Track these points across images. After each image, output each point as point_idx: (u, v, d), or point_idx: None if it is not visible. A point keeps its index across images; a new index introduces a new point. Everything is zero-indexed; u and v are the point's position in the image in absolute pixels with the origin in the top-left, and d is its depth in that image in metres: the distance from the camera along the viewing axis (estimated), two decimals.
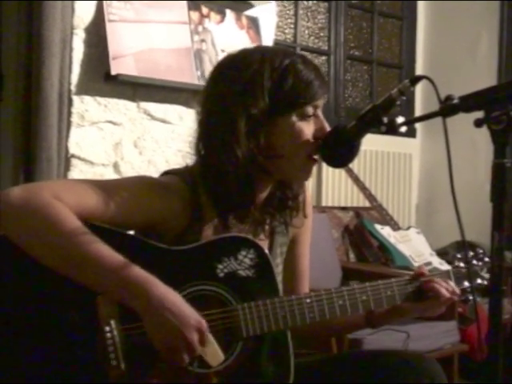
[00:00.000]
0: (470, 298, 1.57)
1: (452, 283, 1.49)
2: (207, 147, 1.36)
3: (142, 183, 1.35)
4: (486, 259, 1.57)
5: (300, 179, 1.44)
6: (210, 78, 1.42)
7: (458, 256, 1.57)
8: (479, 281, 1.55)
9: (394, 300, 1.44)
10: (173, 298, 1.20)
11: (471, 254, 1.58)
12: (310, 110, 1.34)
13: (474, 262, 1.57)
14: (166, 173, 1.42)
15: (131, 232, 1.36)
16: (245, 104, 1.31)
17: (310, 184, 3.66)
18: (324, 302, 1.35)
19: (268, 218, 1.44)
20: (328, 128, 1.37)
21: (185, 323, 1.19)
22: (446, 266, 3.25)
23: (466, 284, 1.54)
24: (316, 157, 1.37)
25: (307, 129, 1.34)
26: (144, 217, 1.30)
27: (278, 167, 1.37)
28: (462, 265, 1.58)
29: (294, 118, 1.33)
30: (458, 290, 1.48)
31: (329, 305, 1.36)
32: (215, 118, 1.34)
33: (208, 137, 1.36)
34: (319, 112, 1.37)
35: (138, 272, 1.19)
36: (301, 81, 1.33)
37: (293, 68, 1.33)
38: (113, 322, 1.21)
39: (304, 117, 1.34)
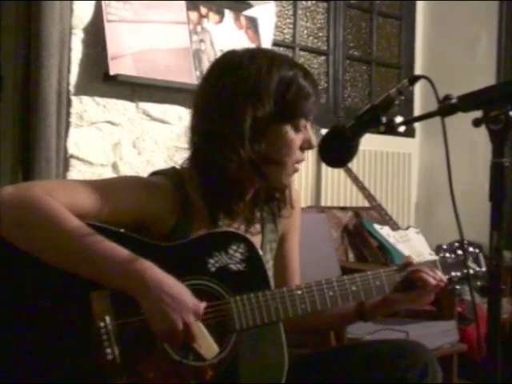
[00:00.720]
0: (457, 287, 1.60)
1: (439, 272, 1.52)
2: (209, 144, 1.37)
3: (131, 182, 1.38)
4: (471, 249, 1.60)
5: (279, 185, 1.46)
6: (212, 72, 1.43)
7: (444, 247, 1.59)
8: (465, 270, 1.58)
9: (383, 290, 1.48)
10: (170, 282, 1.22)
11: (456, 244, 1.60)
12: (302, 123, 1.40)
13: (459, 252, 1.59)
14: (154, 174, 1.44)
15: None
16: (253, 106, 1.34)
17: (309, 184, 3.66)
18: (315, 294, 1.38)
19: (257, 210, 1.47)
20: (315, 140, 1.43)
21: (182, 306, 1.21)
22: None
23: (453, 273, 1.57)
24: (299, 166, 1.43)
25: (297, 140, 1.40)
26: (134, 215, 1.32)
27: (269, 172, 1.40)
28: (447, 255, 1.60)
29: (288, 128, 1.38)
30: (444, 279, 1.52)
31: (319, 296, 1.39)
32: (221, 116, 1.36)
33: (211, 134, 1.37)
34: (308, 125, 1.42)
35: (137, 260, 1.21)
36: (301, 95, 1.37)
37: (296, 81, 1.37)
38: (107, 318, 1.22)
39: (297, 128, 1.39)
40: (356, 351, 1.55)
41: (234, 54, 1.42)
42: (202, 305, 1.25)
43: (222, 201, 1.39)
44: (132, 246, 1.25)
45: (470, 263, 1.58)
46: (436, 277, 1.50)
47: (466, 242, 1.59)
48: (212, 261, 1.32)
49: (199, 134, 1.40)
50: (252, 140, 1.34)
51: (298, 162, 1.42)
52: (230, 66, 1.40)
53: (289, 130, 1.38)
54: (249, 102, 1.34)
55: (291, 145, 1.38)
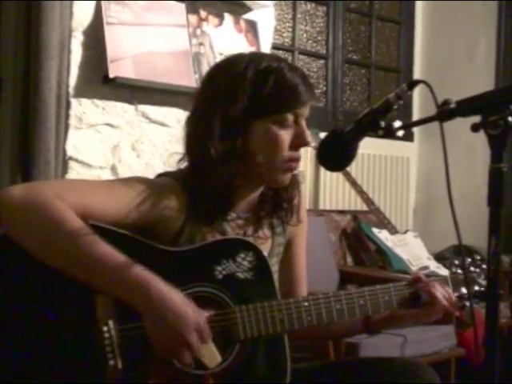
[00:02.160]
0: (467, 304, 1.56)
1: (449, 289, 1.49)
2: (187, 147, 1.39)
3: (139, 183, 1.36)
4: (484, 266, 1.56)
5: (273, 184, 1.43)
6: (201, 81, 1.45)
7: (456, 262, 1.57)
8: (476, 287, 1.54)
9: (392, 305, 1.45)
10: (173, 296, 1.20)
11: (469, 260, 1.58)
12: (289, 117, 1.35)
13: (472, 268, 1.57)
14: (161, 175, 1.44)
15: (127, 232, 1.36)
16: (223, 105, 1.32)
17: (307, 187, 3.66)
18: (322, 306, 1.36)
19: (263, 214, 1.45)
20: (308, 136, 1.38)
21: (184, 324, 1.18)
22: (443, 270, 3.25)
23: (464, 290, 1.53)
24: (293, 163, 1.38)
25: (284, 135, 1.35)
26: (142, 216, 1.31)
27: (254, 171, 1.38)
28: (459, 271, 1.57)
29: (270, 124, 1.34)
30: (453, 297, 1.48)
31: (326, 309, 1.36)
32: (194, 118, 1.38)
33: (188, 136, 1.39)
34: (302, 121, 1.37)
35: (140, 271, 1.19)
36: (283, 86, 1.34)
37: (277, 73, 1.34)
38: (111, 322, 1.22)
39: (282, 124, 1.35)
40: (357, 368, 1.52)
41: (223, 59, 1.44)
42: (207, 314, 1.23)
43: (207, 206, 1.36)
44: (139, 250, 1.24)
45: (481, 280, 1.55)
46: (445, 294, 1.45)
47: (478, 257, 1.57)
48: (219, 268, 1.30)
49: (185, 138, 1.42)
50: (223, 137, 1.32)
51: (291, 160, 1.37)
52: (213, 72, 1.42)
53: (271, 126, 1.34)
54: (220, 100, 1.33)
55: (276, 141, 1.34)
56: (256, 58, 1.38)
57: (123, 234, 1.28)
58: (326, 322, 1.36)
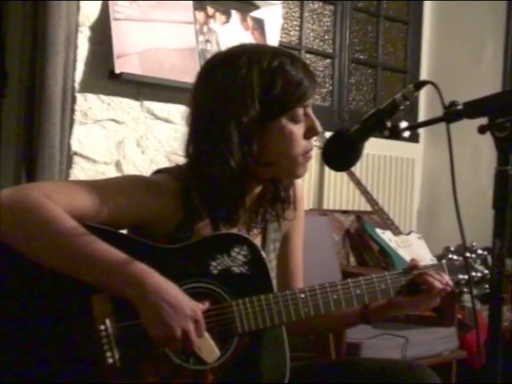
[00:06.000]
0: (465, 290, 1.55)
1: (446, 276, 1.48)
2: (199, 154, 1.36)
3: (133, 182, 1.36)
4: (480, 251, 1.55)
5: (294, 178, 1.44)
6: (197, 80, 1.41)
7: (452, 249, 1.55)
8: (473, 273, 1.53)
9: (388, 293, 1.44)
10: (168, 287, 1.20)
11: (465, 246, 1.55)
12: (300, 111, 1.35)
13: (468, 254, 1.56)
14: (158, 171, 1.42)
15: (123, 231, 1.36)
16: (236, 113, 1.31)
17: (311, 187, 3.66)
18: (318, 297, 1.36)
19: (261, 210, 1.44)
20: (319, 125, 1.38)
21: (180, 313, 1.19)
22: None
23: (460, 276, 1.52)
24: (309, 154, 1.39)
25: (298, 130, 1.36)
26: (136, 215, 1.31)
27: (270, 172, 1.39)
28: (455, 257, 1.56)
29: (284, 122, 1.34)
30: (451, 282, 1.47)
31: (323, 299, 1.36)
32: (206, 126, 1.34)
33: (200, 144, 1.36)
34: (309, 111, 1.38)
35: (134, 264, 1.20)
36: (290, 83, 1.33)
37: (281, 70, 1.33)
38: (108, 321, 1.22)
39: (294, 119, 1.35)
40: (359, 369, 1.51)
41: (217, 56, 1.42)
42: (202, 307, 1.23)
43: (218, 208, 1.36)
44: (133, 248, 1.24)
45: (478, 265, 1.55)
46: (442, 280, 1.45)
47: (474, 243, 1.55)
48: (214, 263, 1.30)
49: (193, 142, 1.38)
50: (242, 145, 1.31)
51: (307, 151, 1.38)
52: (212, 71, 1.39)
53: (286, 124, 1.34)
54: (230, 109, 1.31)
55: (291, 138, 1.34)
56: (255, 54, 1.36)
57: (116, 233, 1.28)
58: (323, 312, 1.36)
